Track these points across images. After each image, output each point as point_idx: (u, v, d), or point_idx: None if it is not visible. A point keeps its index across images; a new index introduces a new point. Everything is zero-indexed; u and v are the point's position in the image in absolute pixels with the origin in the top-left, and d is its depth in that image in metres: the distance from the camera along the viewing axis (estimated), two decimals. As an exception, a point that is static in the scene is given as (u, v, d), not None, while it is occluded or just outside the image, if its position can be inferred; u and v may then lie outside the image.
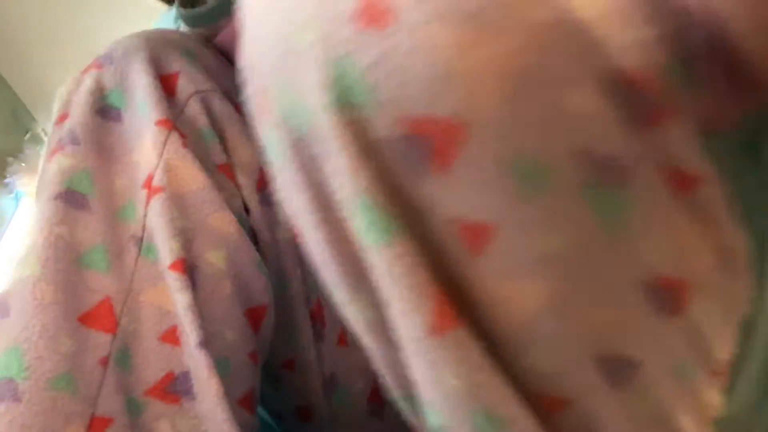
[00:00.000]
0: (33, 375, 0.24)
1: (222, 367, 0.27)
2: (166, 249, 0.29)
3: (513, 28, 0.14)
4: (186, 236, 0.29)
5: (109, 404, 0.25)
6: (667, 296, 0.18)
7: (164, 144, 0.30)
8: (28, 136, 2.69)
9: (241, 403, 0.28)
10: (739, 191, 0.18)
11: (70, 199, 0.29)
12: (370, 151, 0.16)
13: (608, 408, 0.19)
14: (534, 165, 0.15)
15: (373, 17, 0.15)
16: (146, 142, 0.31)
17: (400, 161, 0.16)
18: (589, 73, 0.15)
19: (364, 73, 0.15)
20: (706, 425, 0.21)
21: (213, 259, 0.29)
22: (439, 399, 0.18)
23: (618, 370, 0.18)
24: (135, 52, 0.33)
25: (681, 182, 0.17)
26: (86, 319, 0.26)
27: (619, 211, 0.16)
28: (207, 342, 0.28)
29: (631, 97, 0.15)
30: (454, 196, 0.16)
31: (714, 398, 0.21)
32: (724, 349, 0.21)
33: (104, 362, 0.26)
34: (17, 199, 2.58)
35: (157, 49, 0.34)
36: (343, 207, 0.17)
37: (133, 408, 0.26)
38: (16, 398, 0.23)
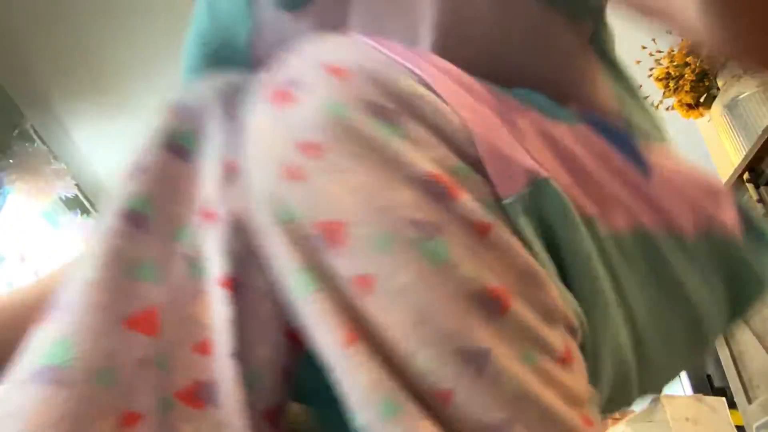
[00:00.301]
0: (78, 365, 0.26)
1: (251, 379, 0.29)
2: (215, 266, 0.31)
3: (356, 169, 0.27)
4: (236, 257, 0.31)
5: (142, 402, 0.28)
6: (492, 300, 0.27)
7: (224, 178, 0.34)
8: (16, 132, 2.67)
9: (265, 417, 0.30)
10: (534, 230, 0.30)
11: (132, 218, 0.32)
12: (298, 242, 0.27)
13: (480, 391, 0.26)
14: (385, 235, 0.26)
15: (292, 174, 0.27)
16: (208, 175, 0.34)
17: (314, 246, 0.27)
18: (402, 180, 0.27)
19: (291, 206, 0.27)
20: (578, 404, 0.28)
21: (260, 282, 0.31)
22: (355, 396, 0.26)
23: (475, 358, 0.26)
24: (210, 104, 0.37)
25: (480, 228, 0.27)
26: (132, 323, 0.29)
27: (441, 250, 0.26)
28: (239, 354, 0.29)
29: (432, 187, 0.27)
30: (347, 262, 0.27)
31: (574, 382, 0.29)
32: (557, 342, 0.29)
33: (143, 363, 0.28)
34: (5, 195, 2.57)
35: (228, 98, 0.37)
36: (284, 277, 0.28)
37: (163, 407, 0.28)
38: (60, 383, 0.25)
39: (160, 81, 2.55)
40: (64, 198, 2.77)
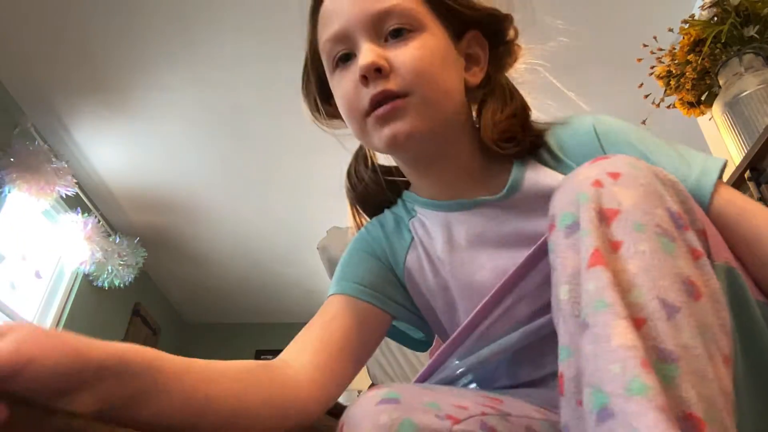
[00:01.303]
0: None
1: None
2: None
3: (637, 190, 0.45)
4: None
5: None
6: (691, 287, 0.40)
7: None
8: (17, 131, 2.67)
9: None
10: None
11: None
12: (593, 215, 0.44)
13: (664, 328, 0.38)
14: (642, 223, 0.42)
15: (598, 183, 0.46)
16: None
17: (600, 222, 0.43)
18: (662, 206, 0.44)
19: (593, 197, 0.45)
20: (724, 393, 0.38)
21: None
22: (585, 298, 0.41)
23: (669, 307, 0.39)
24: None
25: (694, 253, 0.43)
26: None
27: (670, 247, 0.42)
28: None
29: (677, 218, 0.44)
30: (612, 231, 0.43)
31: (726, 379, 0.39)
32: (723, 344, 0.40)
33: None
34: (6, 194, 2.57)
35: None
36: (583, 231, 0.44)
37: None
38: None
39: (161, 80, 2.55)
40: (64, 196, 2.78)
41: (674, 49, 1.71)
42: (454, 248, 0.68)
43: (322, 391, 0.58)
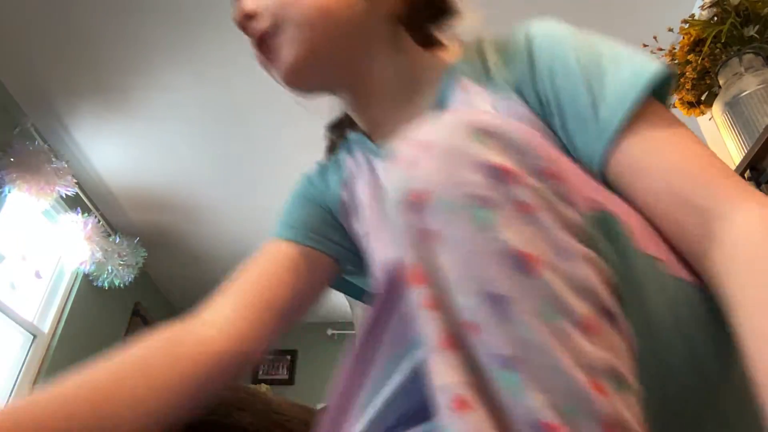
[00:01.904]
0: None
1: None
2: None
3: (445, 153, 0.36)
4: None
5: None
6: (522, 261, 0.33)
7: None
8: (17, 130, 2.67)
9: None
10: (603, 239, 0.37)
11: None
12: (411, 214, 0.36)
13: (498, 329, 0.33)
14: (452, 201, 0.35)
15: (410, 164, 0.37)
16: None
17: (414, 213, 0.36)
18: (473, 168, 0.35)
19: (402, 182, 0.37)
20: (592, 371, 0.32)
21: None
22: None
23: (498, 301, 0.33)
24: None
25: (526, 208, 0.35)
26: None
27: (488, 218, 0.34)
28: None
29: (497, 174, 0.35)
30: (428, 218, 0.35)
31: (594, 353, 0.32)
32: (579, 309, 0.33)
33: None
34: (6, 194, 2.57)
35: None
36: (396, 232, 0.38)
37: None
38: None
39: (161, 80, 2.55)
40: (64, 196, 2.78)
41: (674, 49, 1.71)
42: (374, 197, 0.65)
43: (250, 342, 0.57)
